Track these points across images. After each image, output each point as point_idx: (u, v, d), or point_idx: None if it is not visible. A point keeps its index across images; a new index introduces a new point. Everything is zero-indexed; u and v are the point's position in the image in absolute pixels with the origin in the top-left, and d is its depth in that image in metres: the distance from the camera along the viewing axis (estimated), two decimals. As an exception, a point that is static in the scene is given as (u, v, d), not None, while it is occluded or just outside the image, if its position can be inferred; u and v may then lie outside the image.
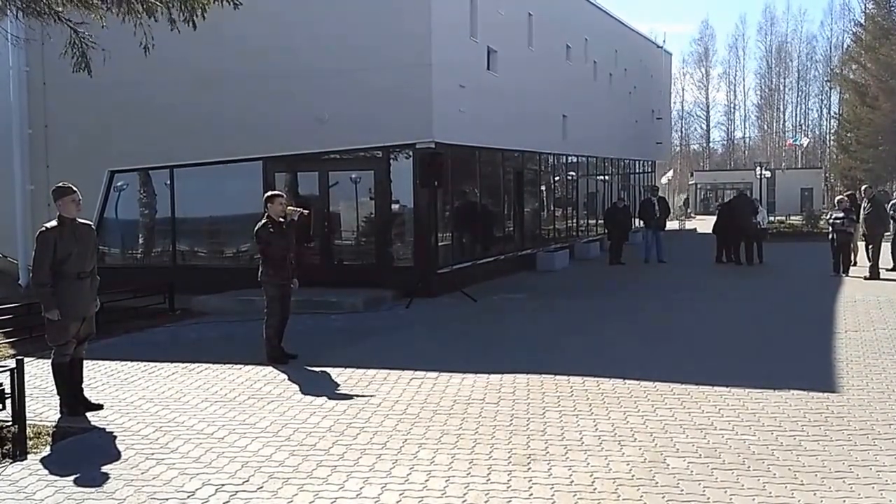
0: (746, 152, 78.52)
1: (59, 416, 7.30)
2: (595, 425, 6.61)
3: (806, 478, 5.35)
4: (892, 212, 18.07)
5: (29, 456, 6.16)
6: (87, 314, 7.40)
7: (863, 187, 19.61)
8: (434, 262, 15.66)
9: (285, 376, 8.74)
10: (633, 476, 5.44)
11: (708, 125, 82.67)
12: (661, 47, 38.81)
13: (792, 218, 41.25)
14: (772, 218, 34.96)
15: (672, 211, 34.14)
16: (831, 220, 17.85)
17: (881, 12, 42.98)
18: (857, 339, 10.24)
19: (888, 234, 18.20)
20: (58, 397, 7.44)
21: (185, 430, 6.79)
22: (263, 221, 9.58)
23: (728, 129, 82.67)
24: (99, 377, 8.87)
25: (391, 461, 5.84)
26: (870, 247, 17.39)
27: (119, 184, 17.64)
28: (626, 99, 30.75)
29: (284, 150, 16.03)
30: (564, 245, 22.84)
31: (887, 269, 17.24)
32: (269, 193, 10.09)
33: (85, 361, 7.71)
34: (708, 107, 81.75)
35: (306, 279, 11.02)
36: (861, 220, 17.56)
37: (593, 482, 5.34)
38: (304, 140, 15.78)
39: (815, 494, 5.07)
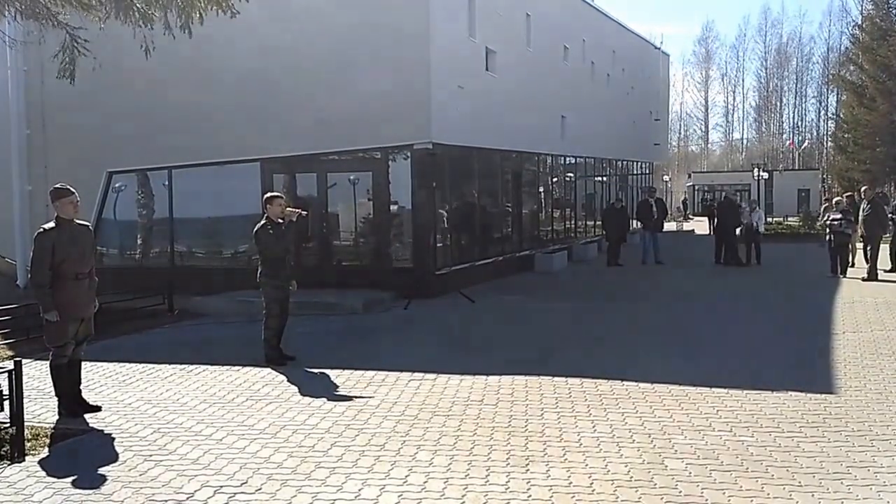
0: (744, 153, 78.64)
1: (57, 417, 7.29)
2: (593, 427, 6.62)
3: (804, 479, 5.36)
4: (892, 214, 18.09)
5: (27, 457, 6.16)
6: (86, 315, 7.40)
7: (862, 188, 19.62)
8: (432, 263, 15.66)
9: (284, 378, 8.74)
10: (631, 477, 5.44)
11: (707, 126, 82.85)
12: (659, 48, 38.88)
13: (789, 219, 41.32)
14: (770, 220, 35.03)
15: (669, 212, 34.22)
16: (829, 222, 17.86)
17: (879, 13, 43.02)
18: (855, 341, 10.25)
19: (886, 235, 18.21)
20: (56, 399, 7.44)
21: (184, 431, 6.79)
22: (263, 222, 9.57)
23: (726, 130, 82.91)
24: (97, 378, 8.86)
25: (390, 463, 5.84)
26: (868, 248, 17.40)
27: (117, 185, 17.65)
28: (624, 100, 30.81)
29: (283, 151, 16.04)
30: (563, 246, 22.85)
31: (885, 271, 17.27)
32: (269, 194, 10.08)
33: (83, 363, 7.70)
34: (707, 108, 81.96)
35: (305, 280, 11.02)
36: (860, 222, 17.56)
37: (591, 484, 5.35)
38: (302, 141, 15.78)
39: (812, 496, 5.08)
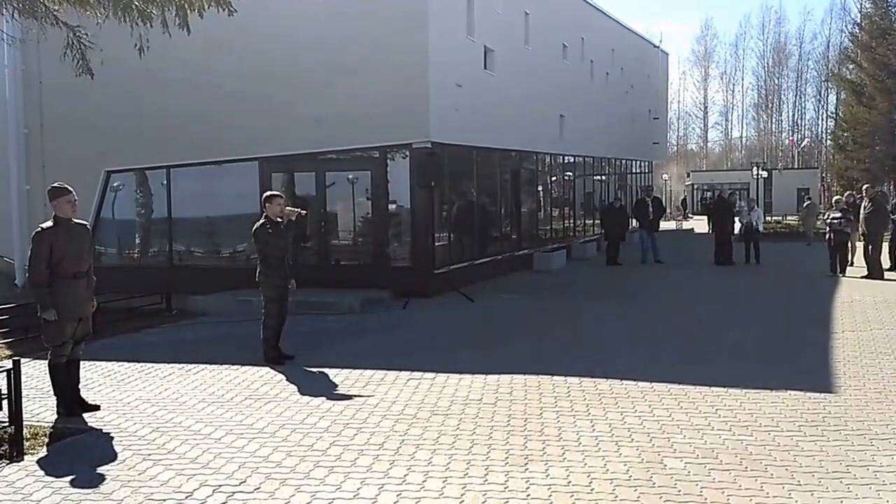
0: (743, 152, 78.63)
1: (55, 416, 7.28)
2: (592, 426, 6.62)
3: (803, 478, 5.35)
4: (893, 213, 18.04)
5: (26, 457, 6.15)
6: (84, 314, 7.39)
7: (864, 186, 19.60)
8: (431, 262, 15.65)
9: (283, 377, 8.74)
10: (630, 477, 5.44)
11: (706, 125, 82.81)
12: (658, 47, 38.86)
13: (788, 218, 41.32)
14: (769, 218, 35.06)
15: (668, 211, 34.27)
16: (829, 220, 17.86)
17: (878, 12, 43.02)
18: (854, 340, 10.25)
19: (887, 234, 18.15)
20: (54, 398, 7.43)
21: (182, 430, 6.78)
22: (262, 221, 9.57)
23: (726, 128, 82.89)
24: (95, 378, 8.85)
25: (388, 462, 5.84)
26: (870, 246, 17.28)
27: (115, 184, 17.62)
28: (623, 98, 30.79)
29: (281, 150, 16.02)
30: (561, 245, 22.86)
31: (885, 269, 17.23)
32: (268, 193, 10.07)
33: (81, 362, 7.69)
34: (706, 107, 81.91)
35: (304, 279, 11.02)
36: (861, 220, 17.48)
37: (590, 483, 5.34)
38: (300, 140, 15.76)
39: (812, 495, 5.08)
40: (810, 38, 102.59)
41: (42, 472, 5.83)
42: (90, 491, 5.41)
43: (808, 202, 30.49)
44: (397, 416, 7.02)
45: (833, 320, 11.83)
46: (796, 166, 63.95)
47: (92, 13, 9.70)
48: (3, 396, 6.28)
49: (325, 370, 8.95)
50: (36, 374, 8.84)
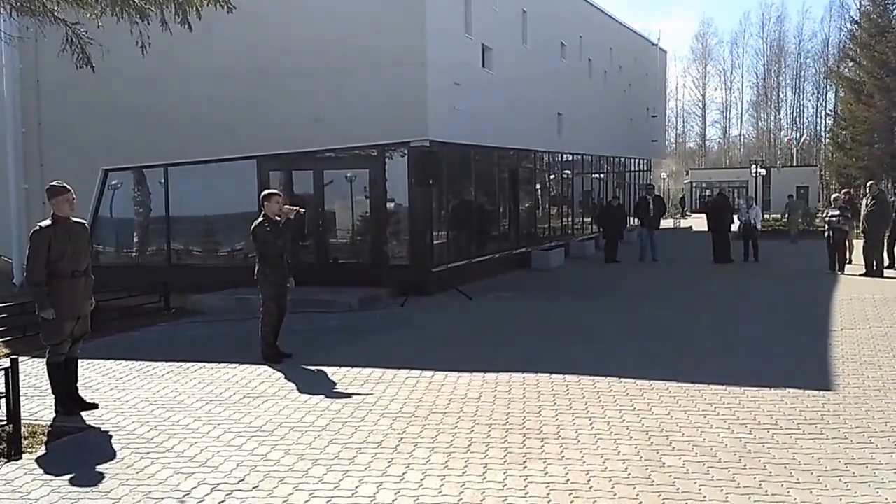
0: (742, 150, 78.64)
1: (54, 415, 7.27)
2: (591, 424, 6.61)
3: (802, 476, 5.35)
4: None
5: (24, 455, 6.14)
6: (82, 313, 7.38)
7: (868, 183, 19.57)
8: (429, 260, 15.64)
9: (281, 375, 8.73)
10: (629, 475, 5.44)
11: (704, 123, 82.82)
12: (656, 45, 38.85)
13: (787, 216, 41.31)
14: (767, 216, 35.07)
15: (668, 209, 34.29)
16: (828, 218, 17.87)
17: (877, 10, 43.07)
18: (853, 337, 10.26)
19: (887, 232, 18.12)
20: (53, 397, 7.42)
21: (181, 429, 6.78)
22: (260, 220, 9.56)
23: (724, 126, 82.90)
24: (94, 376, 8.84)
25: (387, 460, 5.83)
26: (869, 244, 17.18)
27: (113, 182, 17.57)
28: (621, 97, 30.79)
29: (279, 148, 15.99)
30: (560, 243, 22.84)
31: (884, 267, 17.21)
32: (266, 192, 10.06)
33: (80, 360, 7.68)
34: (704, 104, 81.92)
35: (302, 278, 11.01)
36: (862, 217, 17.44)
37: (589, 481, 5.34)
38: (298, 138, 15.73)
39: (811, 493, 5.08)
40: (809, 35, 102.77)
41: (41, 471, 5.82)
42: (89, 489, 5.41)
43: (789, 200, 30.62)
44: (395, 414, 7.02)
45: (832, 318, 11.83)
46: (795, 164, 63.97)
47: (90, 11, 9.67)
48: (1, 395, 6.27)
49: (324, 368, 8.95)
50: (34, 372, 8.82)
